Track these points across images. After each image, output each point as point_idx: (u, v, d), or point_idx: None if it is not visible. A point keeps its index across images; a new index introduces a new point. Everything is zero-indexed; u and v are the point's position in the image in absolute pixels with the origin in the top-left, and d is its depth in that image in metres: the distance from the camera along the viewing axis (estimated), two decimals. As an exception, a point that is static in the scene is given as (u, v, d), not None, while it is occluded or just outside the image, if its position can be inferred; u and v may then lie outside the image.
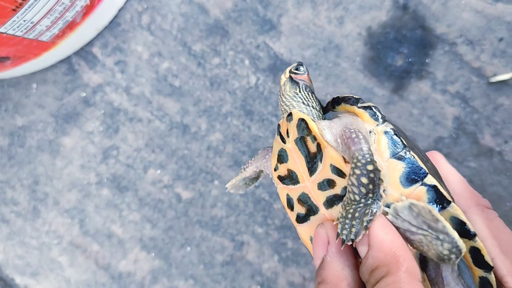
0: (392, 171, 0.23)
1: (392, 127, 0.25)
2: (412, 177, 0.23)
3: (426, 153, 0.28)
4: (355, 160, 0.23)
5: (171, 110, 0.45)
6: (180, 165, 0.45)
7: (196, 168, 0.45)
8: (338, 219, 0.24)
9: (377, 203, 0.23)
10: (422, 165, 0.23)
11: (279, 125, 0.27)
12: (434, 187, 0.23)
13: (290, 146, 0.26)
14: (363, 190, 0.23)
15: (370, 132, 0.24)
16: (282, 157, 0.27)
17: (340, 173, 0.24)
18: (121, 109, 0.46)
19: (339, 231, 0.23)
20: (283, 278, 0.43)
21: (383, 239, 0.22)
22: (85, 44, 0.47)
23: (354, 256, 0.23)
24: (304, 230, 0.27)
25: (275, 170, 0.27)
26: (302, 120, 0.25)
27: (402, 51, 0.42)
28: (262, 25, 0.44)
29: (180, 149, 0.45)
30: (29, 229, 0.47)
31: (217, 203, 0.45)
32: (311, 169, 0.25)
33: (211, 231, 0.45)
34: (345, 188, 0.24)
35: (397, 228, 0.23)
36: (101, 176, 0.46)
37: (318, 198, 0.25)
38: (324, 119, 0.28)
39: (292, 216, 0.27)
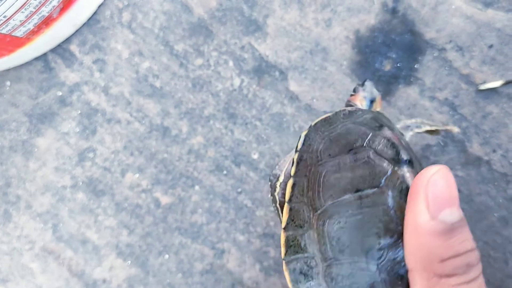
0: None
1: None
2: None
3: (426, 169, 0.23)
4: None
5: (151, 112, 0.44)
6: (159, 169, 0.44)
7: (176, 172, 0.43)
8: None
9: None
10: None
11: None
12: None
13: None
14: None
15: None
16: None
17: None
18: (99, 109, 0.44)
19: None
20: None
21: None
22: (62, 41, 0.45)
23: None
24: None
25: None
26: None
27: (390, 56, 0.41)
28: (248, 25, 0.43)
29: (160, 152, 0.44)
30: (0, 234, 0.45)
31: (198, 209, 0.43)
32: None
33: (191, 238, 0.43)
34: None
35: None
36: (77, 179, 0.44)
37: None
38: None
39: None
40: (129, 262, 0.43)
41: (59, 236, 0.44)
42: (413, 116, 0.41)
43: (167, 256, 0.43)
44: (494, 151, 0.40)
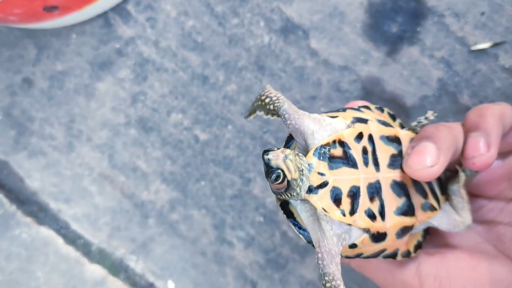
0: None
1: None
2: None
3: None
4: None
5: (194, 63, 0.52)
6: (199, 111, 0.52)
7: (213, 114, 0.52)
8: None
9: None
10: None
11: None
12: None
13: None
14: None
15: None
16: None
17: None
18: (149, 60, 0.53)
19: None
20: (283, 210, 0.50)
21: None
22: (120, 1, 0.53)
23: None
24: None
25: None
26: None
27: (397, 20, 0.49)
28: (277, -8, 0.51)
29: (200, 97, 0.52)
30: (64, 161, 0.54)
31: (230, 145, 0.52)
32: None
33: (223, 169, 0.52)
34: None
35: None
36: (130, 117, 0.53)
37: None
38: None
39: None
40: (172, 187, 0.52)
41: (114, 164, 0.53)
42: (414, 71, 0.49)
43: (203, 182, 0.52)
44: (481, 102, 0.48)
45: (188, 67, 0.52)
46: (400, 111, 0.49)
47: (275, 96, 0.30)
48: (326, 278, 0.28)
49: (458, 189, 0.32)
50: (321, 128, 0.29)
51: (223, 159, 0.52)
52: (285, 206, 0.31)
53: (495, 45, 0.47)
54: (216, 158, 0.52)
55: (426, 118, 0.33)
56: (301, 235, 0.30)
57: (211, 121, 0.52)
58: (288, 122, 0.29)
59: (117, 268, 0.53)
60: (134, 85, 0.53)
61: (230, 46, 0.52)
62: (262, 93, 0.30)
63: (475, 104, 0.48)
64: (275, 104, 0.29)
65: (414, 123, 0.33)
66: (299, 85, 0.51)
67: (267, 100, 0.30)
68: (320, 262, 0.28)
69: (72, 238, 0.54)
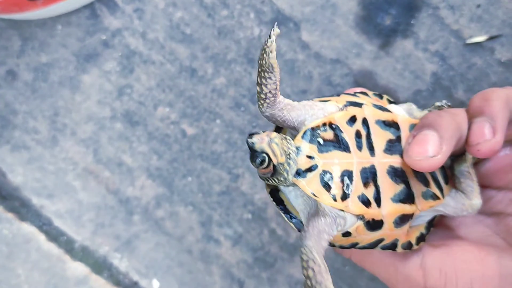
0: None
1: None
2: None
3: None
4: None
5: (182, 55, 0.51)
6: (186, 105, 0.51)
7: (201, 108, 0.50)
8: None
9: None
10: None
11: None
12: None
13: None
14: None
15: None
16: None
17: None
18: (136, 52, 0.51)
19: None
20: (271, 207, 0.49)
21: None
22: (107, -8, 0.52)
23: None
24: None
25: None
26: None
27: (390, 12, 0.48)
28: (268, -17, 0.50)
29: (188, 90, 0.51)
30: (48, 156, 0.53)
31: (218, 139, 0.50)
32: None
33: (211, 164, 0.50)
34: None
35: None
36: (116, 111, 0.52)
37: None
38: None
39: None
40: (158, 182, 0.51)
41: (99, 159, 0.52)
42: (408, 65, 0.47)
43: (190, 178, 0.50)
44: (476, 96, 0.46)
45: (176, 59, 0.51)
46: (393, 106, 0.47)
47: (264, 89, 0.29)
48: (303, 249, 0.26)
49: (467, 169, 0.30)
50: (313, 115, 0.28)
51: (211, 154, 0.50)
52: (275, 193, 0.30)
53: (491, 38, 0.46)
54: (204, 153, 0.50)
55: (448, 106, 0.32)
56: (291, 224, 0.29)
57: (199, 115, 0.51)
58: (276, 123, 0.29)
59: (100, 266, 0.51)
60: (121, 78, 0.52)
61: (219, 38, 0.50)
62: (262, 53, 0.29)
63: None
64: (259, 100, 0.29)
65: (438, 103, 0.32)
66: (290, 78, 0.49)
67: (258, 80, 0.29)
68: (303, 233, 0.27)
69: (54, 235, 0.52)
